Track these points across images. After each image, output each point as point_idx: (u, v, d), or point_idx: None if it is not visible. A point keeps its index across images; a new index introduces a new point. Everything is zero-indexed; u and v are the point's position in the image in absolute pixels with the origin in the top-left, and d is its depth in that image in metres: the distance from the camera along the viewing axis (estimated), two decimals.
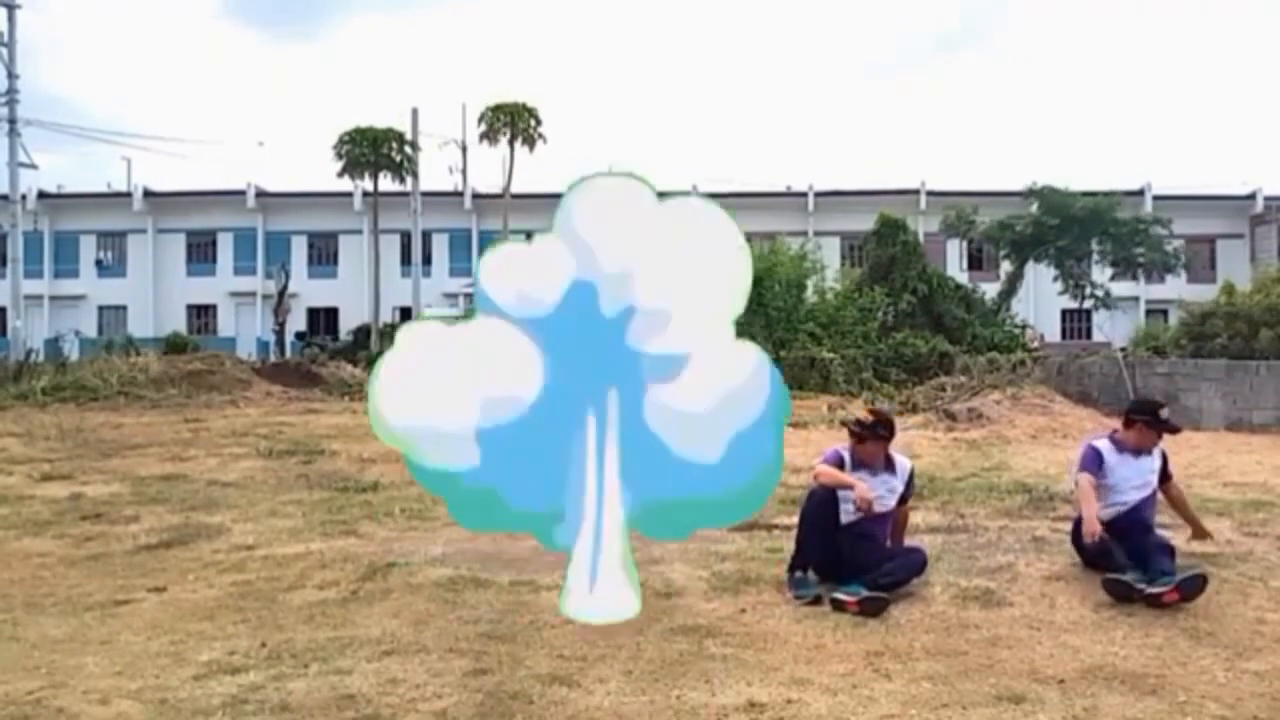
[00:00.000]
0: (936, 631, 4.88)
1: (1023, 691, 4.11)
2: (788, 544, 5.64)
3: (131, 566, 6.30)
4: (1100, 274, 33.84)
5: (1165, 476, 6.04)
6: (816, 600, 5.26)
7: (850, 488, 5.46)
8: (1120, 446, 5.88)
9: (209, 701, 4.01)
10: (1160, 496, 6.05)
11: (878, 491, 5.60)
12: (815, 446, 9.59)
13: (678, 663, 4.43)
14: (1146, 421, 5.88)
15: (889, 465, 5.71)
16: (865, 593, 5.15)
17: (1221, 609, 5.21)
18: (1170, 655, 4.57)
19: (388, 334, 32.82)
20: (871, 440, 5.64)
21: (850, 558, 5.44)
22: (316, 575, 5.94)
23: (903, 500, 5.82)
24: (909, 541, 5.98)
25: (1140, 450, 5.87)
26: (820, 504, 5.47)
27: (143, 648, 4.71)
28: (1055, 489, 8.52)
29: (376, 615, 5.15)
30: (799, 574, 5.44)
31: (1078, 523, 5.77)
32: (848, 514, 5.49)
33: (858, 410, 5.98)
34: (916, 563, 5.57)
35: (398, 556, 6.26)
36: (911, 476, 5.90)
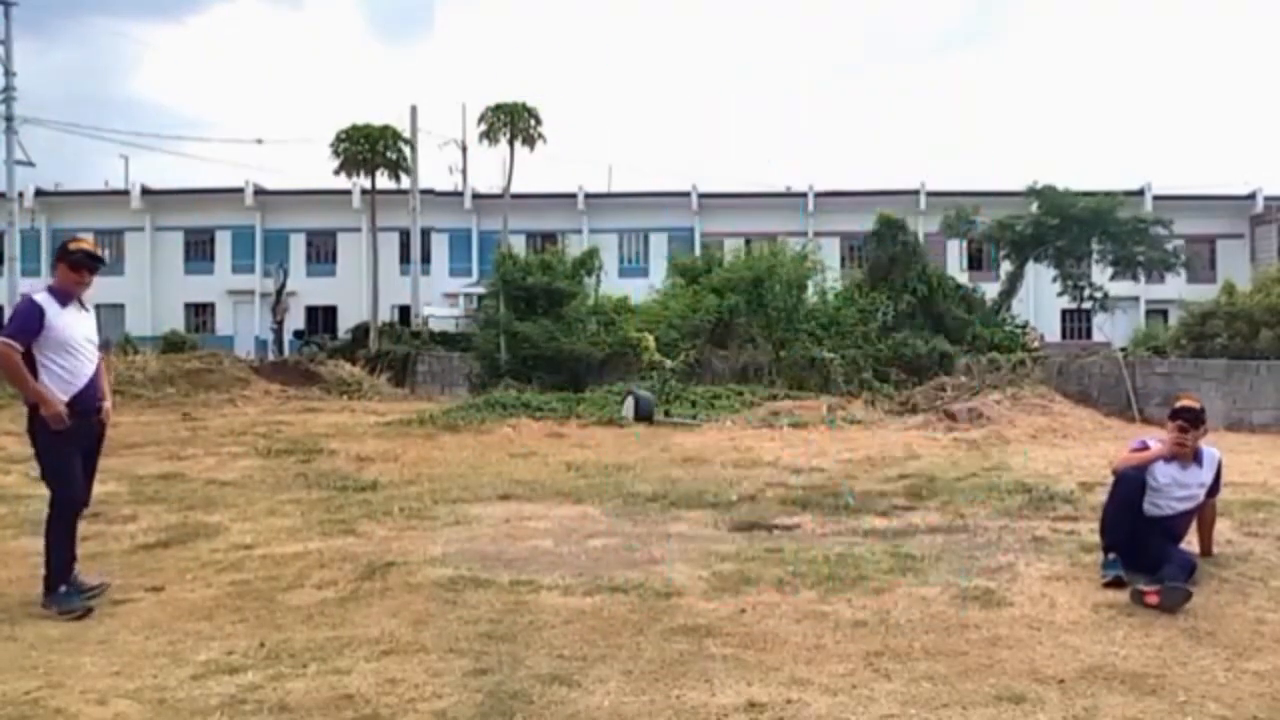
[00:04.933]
0: (936, 631, 4.87)
1: (1023, 691, 4.10)
2: (788, 544, 5.63)
3: (129, 566, 6.29)
4: (1100, 274, 33.82)
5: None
6: (1117, 583, 5.34)
7: (1149, 463, 5.58)
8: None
9: (207, 701, 4.00)
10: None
11: (1188, 488, 5.65)
12: (815, 446, 9.59)
13: (678, 663, 4.42)
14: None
15: (1196, 457, 5.69)
16: (1168, 584, 5.14)
17: (1221, 609, 5.20)
18: (1170, 655, 4.56)
19: (387, 332, 32.90)
20: (1195, 430, 5.62)
21: (1147, 549, 5.52)
22: (315, 575, 5.93)
23: (1211, 492, 5.78)
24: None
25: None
26: (1129, 484, 5.56)
27: (140, 647, 4.70)
28: (1055, 489, 8.52)
29: (375, 615, 5.14)
30: (1111, 556, 5.56)
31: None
32: (1152, 507, 5.59)
33: (1180, 402, 5.84)
34: (1190, 565, 5.52)
35: (397, 556, 6.25)
36: (1220, 466, 5.81)
